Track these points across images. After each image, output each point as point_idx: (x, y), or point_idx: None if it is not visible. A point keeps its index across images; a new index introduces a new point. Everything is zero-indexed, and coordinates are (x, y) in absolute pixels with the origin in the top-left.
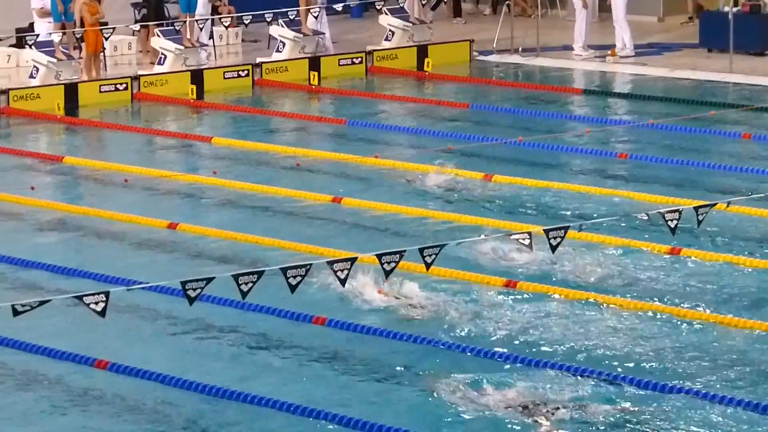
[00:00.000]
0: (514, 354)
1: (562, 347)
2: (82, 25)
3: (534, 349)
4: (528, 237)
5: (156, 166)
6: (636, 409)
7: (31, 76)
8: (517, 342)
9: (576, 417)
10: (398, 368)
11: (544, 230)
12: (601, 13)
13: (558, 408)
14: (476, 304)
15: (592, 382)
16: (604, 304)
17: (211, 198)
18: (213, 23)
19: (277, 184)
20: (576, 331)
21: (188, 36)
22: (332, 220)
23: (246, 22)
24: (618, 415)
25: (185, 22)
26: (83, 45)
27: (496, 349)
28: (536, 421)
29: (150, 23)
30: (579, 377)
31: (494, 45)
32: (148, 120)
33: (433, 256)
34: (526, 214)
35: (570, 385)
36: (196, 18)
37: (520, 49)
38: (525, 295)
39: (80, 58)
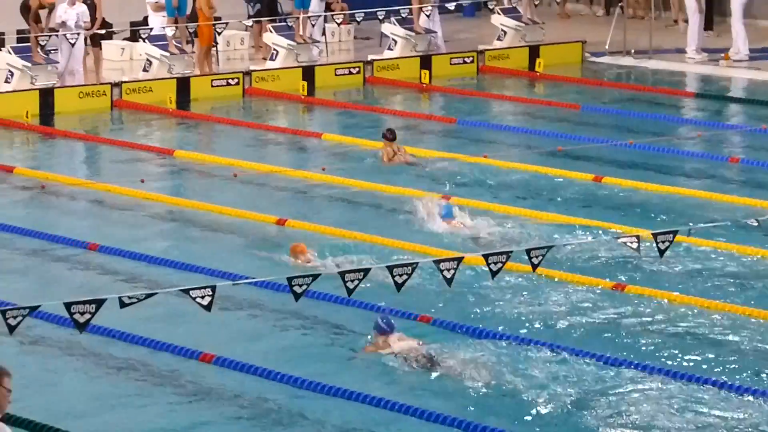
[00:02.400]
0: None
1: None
2: (195, 19)
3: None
4: (636, 240)
5: (265, 161)
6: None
7: (144, 70)
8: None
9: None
10: None
11: (652, 234)
12: (716, 16)
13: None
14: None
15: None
16: (712, 310)
17: (319, 194)
18: (325, 20)
19: (386, 182)
20: (685, 336)
21: (301, 32)
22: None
23: (358, 19)
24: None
25: (298, 18)
26: (196, 39)
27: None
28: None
29: (263, 19)
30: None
31: (607, 46)
32: (258, 115)
33: (540, 258)
34: (635, 216)
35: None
36: (309, 14)
37: (632, 51)
38: (631, 298)
39: (193, 52)
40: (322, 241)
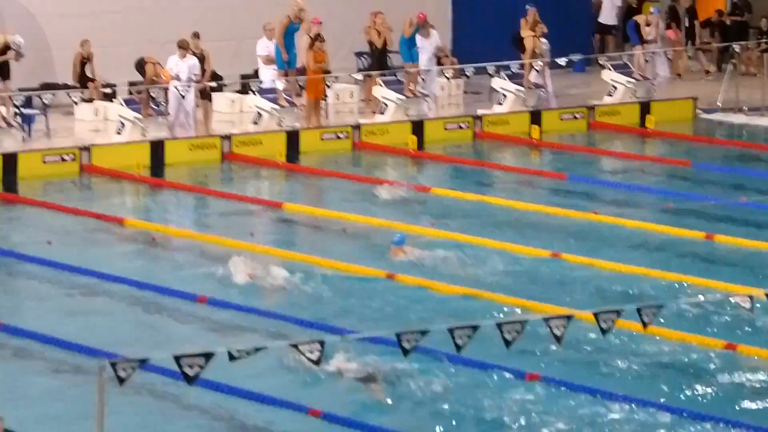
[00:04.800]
0: None
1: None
2: (305, 72)
3: None
4: (749, 299)
5: (375, 215)
6: None
7: (254, 122)
8: None
9: None
10: None
11: (766, 293)
12: None
13: None
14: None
15: None
16: None
17: (428, 249)
18: (435, 74)
19: (494, 238)
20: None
21: (410, 86)
22: (550, 276)
23: (468, 73)
24: None
25: (408, 72)
26: (305, 92)
27: None
28: None
29: (373, 72)
30: None
31: (719, 103)
32: (367, 169)
33: (651, 316)
34: (748, 275)
35: None
36: (419, 68)
37: (745, 108)
38: (743, 358)
39: (303, 105)
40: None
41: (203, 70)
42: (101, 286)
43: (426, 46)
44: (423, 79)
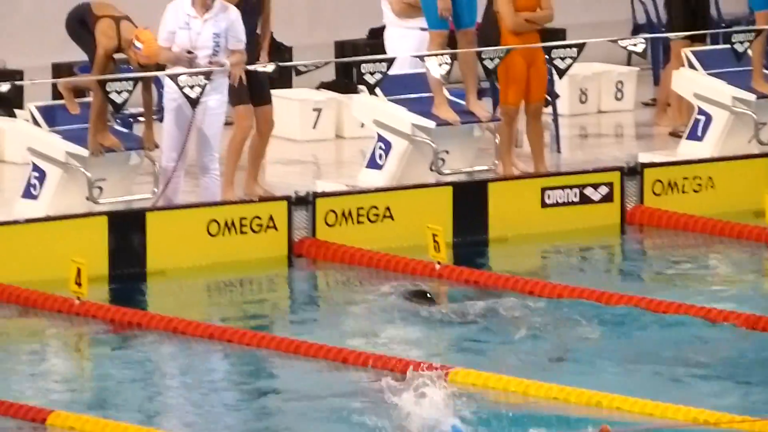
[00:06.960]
0: None
1: None
2: (493, 38)
3: None
4: None
5: (669, 397)
6: None
7: (374, 165)
8: None
9: None
10: None
11: None
12: None
13: None
14: None
15: None
16: None
17: None
18: None
19: None
20: None
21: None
22: None
23: None
24: None
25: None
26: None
27: None
28: None
29: (673, 36)
30: None
31: None
32: (656, 283)
33: None
34: None
35: None
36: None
37: None
38: None
39: (492, 117)
40: None
41: (253, 37)
42: None
43: None
44: None
